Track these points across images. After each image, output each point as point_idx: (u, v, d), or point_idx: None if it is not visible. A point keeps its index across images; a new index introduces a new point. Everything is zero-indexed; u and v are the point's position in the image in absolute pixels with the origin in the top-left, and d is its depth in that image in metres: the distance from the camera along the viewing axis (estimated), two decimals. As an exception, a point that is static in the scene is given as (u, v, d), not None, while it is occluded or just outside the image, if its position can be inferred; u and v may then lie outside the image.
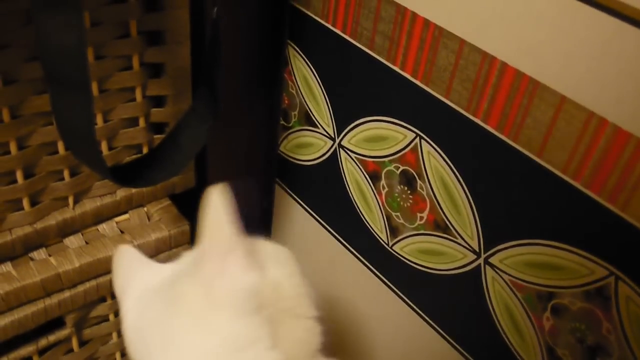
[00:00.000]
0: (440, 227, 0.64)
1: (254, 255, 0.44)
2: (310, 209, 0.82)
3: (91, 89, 0.48)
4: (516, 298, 0.60)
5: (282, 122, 0.81)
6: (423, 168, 0.64)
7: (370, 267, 0.76)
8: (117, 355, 0.74)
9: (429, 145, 0.62)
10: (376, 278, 0.76)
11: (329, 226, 0.81)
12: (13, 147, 0.57)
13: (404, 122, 0.63)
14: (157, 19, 0.59)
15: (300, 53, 0.73)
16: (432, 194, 0.64)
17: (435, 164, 0.62)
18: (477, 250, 0.62)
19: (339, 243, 0.80)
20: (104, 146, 0.63)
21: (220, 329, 0.42)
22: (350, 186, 0.74)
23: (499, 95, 0.53)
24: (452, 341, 0.69)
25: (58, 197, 0.63)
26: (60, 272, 0.61)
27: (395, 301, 0.74)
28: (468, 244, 0.62)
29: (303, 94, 0.75)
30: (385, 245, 0.72)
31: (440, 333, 0.70)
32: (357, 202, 0.74)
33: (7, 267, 0.62)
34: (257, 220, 0.92)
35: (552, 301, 0.57)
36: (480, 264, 0.62)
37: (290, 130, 0.80)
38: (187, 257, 0.49)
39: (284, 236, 0.90)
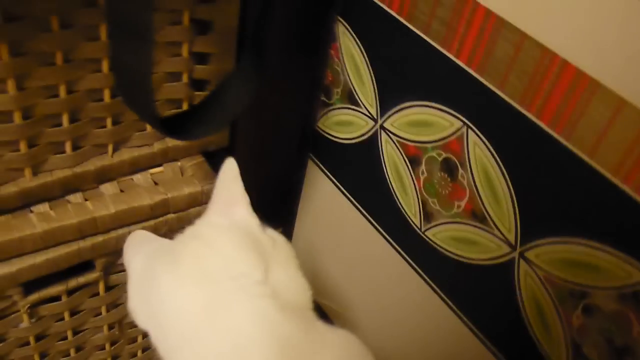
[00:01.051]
0: (478, 217, 0.65)
1: (253, 217, 0.49)
2: (342, 186, 0.83)
3: (153, 36, 0.49)
4: (547, 294, 0.60)
5: (323, 98, 0.81)
6: (467, 157, 0.64)
7: (398, 248, 0.77)
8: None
9: (475, 136, 0.62)
10: (403, 260, 0.77)
11: (360, 204, 0.81)
12: (62, 91, 0.58)
13: (453, 109, 0.64)
14: None
15: (351, 31, 0.72)
16: (472, 183, 0.64)
17: (480, 154, 0.62)
18: (513, 244, 0.62)
19: (367, 222, 0.81)
20: None
21: (218, 254, 0.45)
22: (387, 168, 0.74)
23: (555, 92, 0.53)
24: (476, 330, 0.70)
25: (98, 143, 0.65)
26: (96, 217, 0.63)
27: (421, 285, 0.75)
28: (504, 237, 0.63)
29: (349, 72, 0.75)
30: (417, 230, 0.73)
31: (465, 321, 0.71)
32: (392, 184, 0.74)
33: (45, 207, 0.64)
34: (285, 192, 0.93)
35: (584, 300, 0.57)
36: (514, 257, 0.62)
37: (331, 107, 0.80)
38: (190, 228, 0.52)
39: (311, 210, 0.91)
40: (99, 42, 0.57)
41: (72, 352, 0.74)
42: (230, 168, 0.50)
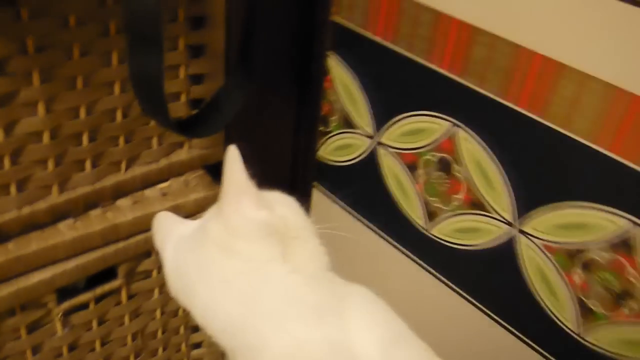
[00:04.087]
0: (476, 205, 0.73)
1: (263, 198, 0.53)
2: (349, 207, 0.91)
3: (163, 43, 0.57)
4: (548, 260, 0.68)
5: (322, 128, 0.90)
6: (459, 153, 0.73)
7: (409, 254, 0.84)
8: (157, 313, 0.82)
9: (464, 132, 0.71)
10: (414, 264, 0.84)
11: (368, 220, 0.89)
12: (82, 112, 0.66)
13: (441, 113, 0.73)
14: (199, 6, 0.69)
15: (342, 62, 0.83)
16: (468, 175, 0.73)
17: (470, 147, 0.71)
18: (512, 221, 0.70)
19: (378, 236, 0.88)
20: None
21: (239, 252, 0.50)
22: (388, 180, 0.83)
23: (528, 79, 0.63)
24: (490, 313, 0.76)
25: (113, 161, 0.72)
26: (116, 223, 0.70)
27: (434, 284, 0.82)
28: (502, 217, 0.71)
29: (344, 99, 0.85)
30: (424, 231, 0.81)
31: (478, 307, 0.77)
32: (395, 193, 0.82)
33: (70, 222, 0.70)
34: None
35: (582, 257, 0.65)
36: (514, 235, 0.70)
37: (330, 135, 0.89)
38: (212, 209, 0.58)
39: (321, 236, 0.98)
40: (111, 67, 0.66)
41: None
42: (232, 157, 0.52)
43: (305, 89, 0.87)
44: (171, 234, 0.57)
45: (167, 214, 0.61)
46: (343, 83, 0.84)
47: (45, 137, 0.64)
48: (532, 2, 0.61)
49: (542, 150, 0.65)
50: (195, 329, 0.92)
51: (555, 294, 0.69)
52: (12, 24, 0.58)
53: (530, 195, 0.68)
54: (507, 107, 0.66)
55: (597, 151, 0.60)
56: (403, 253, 0.85)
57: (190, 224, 0.58)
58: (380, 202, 0.85)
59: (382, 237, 0.87)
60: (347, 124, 0.86)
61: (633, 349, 0.64)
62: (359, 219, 0.89)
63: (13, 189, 0.65)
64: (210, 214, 0.58)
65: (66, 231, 0.68)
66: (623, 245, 0.62)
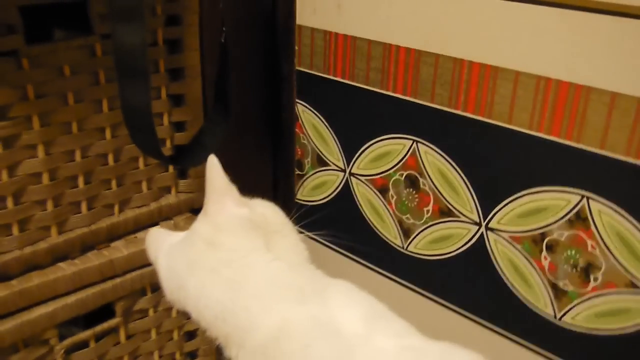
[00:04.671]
0: (445, 213, 0.79)
1: (243, 200, 0.59)
2: (330, 244, 0.96)
3: (149, 78, 0.64)
4: (517, 250, 0.73)
5: (298, 172, 0.97)
6: (423, 167, 0.80)
7: (390, 275, 0.89)
8: (156, 355, 0.84)
9: (424, 146, 0.79)
10: (395, 284, 0.88)
11: (349, 252, 0.93)
12: (78, 155, 0.72)
13: (402, 133, 0.81)
14: (177, 59, 0.78)
15: (309, 107, 0.91)
16: (433, 186, 0.80)
17: (432, 159, 0.79)
18: (478, 221, 0.76)
19: (361, 265, 0.92)
20: (141, 161, 0.79)
21: (225, 245, 0.55)
22: (363, 207, 0.89)
23: (471, 87, 0.72)
24: (471, 316, 0.80)
25: (107, 204, 0.78)
26: (112, 259, 0.75)
27: (417, 299, 0.86)
28: (470, 219, 0.77)
29: (313, 140, 0.93)
30: (401, 249, 0.86)
31: (461, 313, 0.81)
32: (371, 218, 0.88)
33: (68, 261, 0.75)
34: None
35: (545, 240, 0.71)
36: (482, 233, 0.76)
37: (305, 177, 0.96)
38: (195, 222, 0.63)
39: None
40: (102, 114, 0.73)
41: None
42: (212, 164, 0.57)
43: (278, 136, 0.95)
44: (163, 244, 0.62)
45: (159, 229, 0.66)
46: (312, 125, 0.92)
47: (45, 178, 0.70)
48: (463, 18, 0.71)
49: (493, 148, 0.72)
50: (193, 375, 0.93)
51: (528, 282, 0.73)
52: (15, 73, 0.66)
53: (491, 193, 0.74)
54: (457, 115, 0.74)
55: (539, 137, 0.68)
56: (384, 276, 0.89)
57: (178, 235, 0.63)
58: (359, 230, 0.90)
59: (364, 265, 0.91)
60: (320, 162, 0.93)
61: (607, 320, 0.68)
62: (342, 254, 0.94)
63: (15, 230, 0.70)
64: (195, 224, 0.63)
65: (66, 267, 0.72)
66: (578, 219, 0.68)
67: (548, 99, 0.66)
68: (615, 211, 0.65)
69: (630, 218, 0.64)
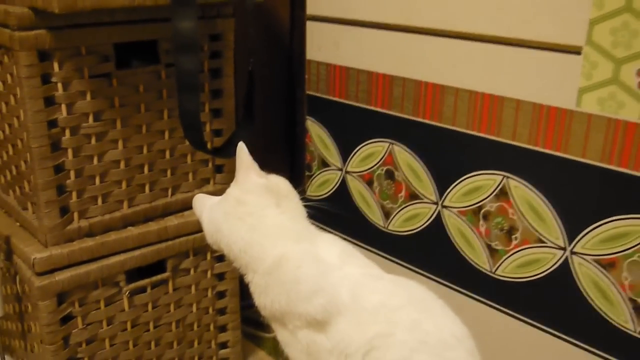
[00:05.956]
0: (413, 197, 1.05)
1: (263, 174, 0.81)
2: (329, 227, 1.21)
3: (200, 94, 0.92)
4: (462, 221, 0.98)
5: (308, 173, 1.24)
6: (397, 163, 1.06)
7: (371, 249, 1.14)
8: (194, 307, 1.10)
9: (397, 146, 1.05)
10: (377, 255, 1.13)
11: (341, 232, 1.19)
12: (145, 149, 1.01)
13: (383, 137, 1.08)
14: (218, 82, 1.07)
15: (316, 121, 1.19)
16: (405, 177, 1.06)
17: (403, 156, 1.05)
18: (436, 201, 1.01)
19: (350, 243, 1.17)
20: (189, 158, 1.06)
21: (249, 202, 0.77)
22: (355, 197, 1.15)
23: (427, 100, 0.99)
24: (425, 272, 1.04)
25: (163, 187, 1.05)
26: (167, 226, 1.02)
27: (394, 267, 1.10)
28: (430, 199, 1.02)
29: (319, 147, 1.20)
30: (384, 229, 1.11)
31: (429, 277, 1.05)
32: (361, 206, 1.14)
33: (135, 226, 1.02)
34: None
35: (481, 212, 0.96)
36: (439, 210, 1.01)
37: (313, 177, 1.23)
38: (226, 192, 0.85)
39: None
40: (163, 120, 1.01)
41: (152, 344, 1.06)
42: (241, 148, 0.80)
43: (293, 145, 1.23)
44: (205, 204, 0.87)
45: (203, 195, 0.92)
46: (318, 136, 1.20)
47: (122, 165, 0.99)
48: (419, 52, 0.98)
49: (444, 143, 0.98)
50: (223, 328, 1.19)
51: (472, 246, 0.98)
52: (107, 89, 0.95)
53: (444, 178, 1.00)
54: (419, 121, 1.01)
55: (473, 135, 0.94)
56: (371, 251, 1.14)
57: (215, 198, 0.89)
58: (352, 214, 1.16)
59: (353, 241, 1.17)
60: (324, 164, 1.20)
61: (524, 270, 0.92)
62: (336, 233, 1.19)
63: (99, 201, 0.99)
64: (229, 189, 0.90)
65: (133, 230, 1.00)
66: (502, 193, 0.93)
67: (477, 106, 0.93)
68: (525, 186, 0.90)
69: (535, 190, 0.89)
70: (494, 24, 0.89)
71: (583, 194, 0.85)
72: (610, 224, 0.83)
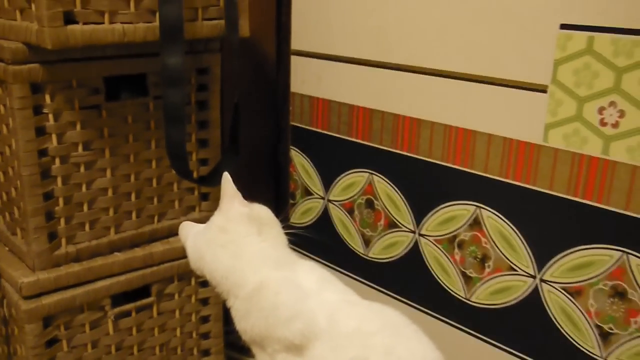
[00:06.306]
0: (392, 225, 1.09)
1: (247, 203, 0.84)
2: (312, 254, 1.25)
3: (185, 125, 0.95)
4: (438, 249, 1.02)
5: (292, 201, 1.28)
6: (376, 192, 1.10)
7: (353, 275, 1.17)
8: (178, 331, 1.13)
9: (377, 176, 1.09)
10: (357, 282, 1.16)
11: (322, 259, 1.22)
12: (132, 178, 1.04)
13: (363, 168, 1.12)
14: (204, 114, 1.10)
15: (299, 151, 1.23)
16: (383, 206, 1.09)
17: (381, 186, 1.09)
18: (413, 229, 1.05)
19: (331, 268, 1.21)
20: (175, 186, 1.09)
21: (232, 230, 0.80)
22: (337, 225, 1.19)
23: (405, 133, 1.03)
24: (402, 298, 1.07)
25: (150, 215, 1.08)
26: (152, 252, 1.04)
27: (375, 295, 1.13)
28: (407, 227, 1.06)
29: (302, 176, 1.24)
30: (364, 256, 1.15)
31: (407, 303, 1.09)
32: (342, 233, 1.18)
33: (121, 252, 1.05)
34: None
35: (456, 240, 0.99)
36: (416, 239, 1.05)
37: (296, 205, 1.27)
38: (210, 220, 0.87)
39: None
40: (151, 150, 1.05)
41: None
42: (226, 178, 0.83)
43: (277, 174, 1.27)
44: (191, 231, 0.90)
45: (188, 222, 0.95)
46: (301, 165, 1.23)
47: (110, 192, 1.02)
48: (396, 87, 1.03)
49: (421, 174, 1.03)
50: (206, 352, 1.21)
51: (448, 273, 1.01)
52: (96, 120, 0.99)
53: (421, 208, 1.04)
54: (397, 153, 1.05)
55: (448, 167, 0.98)
56: (350, 277, 1.17)
57: (200, 226, 0.92)
58: (333, 241, 1.19)
59: (334, 268, 1.20)
60: (307, 193, 1.24)
61: (497, 297, 0.95)
62: (318, 260, 1.23)
63: (87, 227, 1.02)
64: (212, 217, 0.93)
65: (120, 255, 1.03)
66: (476, 223, 0.96)
67: (452, 139, 0.97)
68: (497, 215, 0.94)
69: (506, 220, 0.93)
70: (466, 62, 0.94)
71: (550, 224, 0.89)
72: (576, 253, 0.87)
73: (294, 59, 1.21)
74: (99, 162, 1.00)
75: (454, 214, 0.99)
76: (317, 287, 0.76)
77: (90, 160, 0.99)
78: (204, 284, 1.15)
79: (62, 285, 0.98)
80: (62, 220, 0.98)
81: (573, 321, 0.88)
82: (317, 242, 1.24)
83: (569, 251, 0.87)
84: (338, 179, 1.17)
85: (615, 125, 0.80)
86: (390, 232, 1.09)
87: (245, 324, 0.75)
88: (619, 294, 0.83)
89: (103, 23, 0.90)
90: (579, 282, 0.87)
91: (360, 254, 1.15)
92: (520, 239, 0.92)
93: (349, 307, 0.73)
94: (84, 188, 1.00)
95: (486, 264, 0.97)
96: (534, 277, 0.91)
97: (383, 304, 0.72)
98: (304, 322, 0.70)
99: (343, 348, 0.68)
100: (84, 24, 0.88)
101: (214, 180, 1.09)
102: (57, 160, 0.96)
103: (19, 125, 0.91)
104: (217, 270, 0.79)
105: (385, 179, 1.08)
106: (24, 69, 0.89)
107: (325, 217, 1.21)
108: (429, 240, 1.03)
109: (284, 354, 0.72)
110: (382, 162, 1.08)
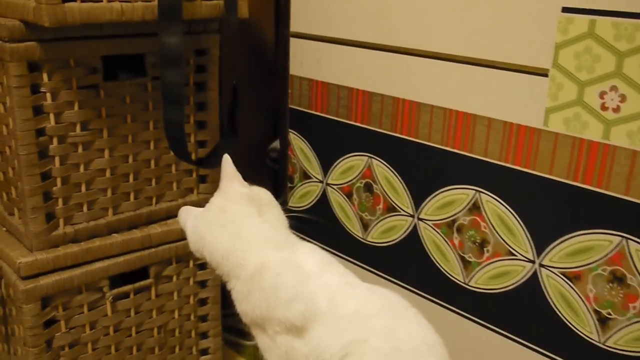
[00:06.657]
0: (391, 209, 1.08)
1: (245, 183, 0.84)
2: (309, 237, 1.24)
3: (184, 106, 0.95)
4: (437, 233, 1.02)
5: (290, 185, 1.27)
6: (376, 176, 1.10)
7: (352, 260, 1.17)
8: (176, 313, 1.13)
9: (376, 160, 1.09)
10: (355, 266, 1.16)
11: (319, 242, 1.22)
12: (130, 159, 1.03)
13: (362, 152, 1.11)
14: (203, 95, 1.10)
15: (298, 134, 1.23)
16: (382, 190, 1.09)
17: (381, 169, 1.08)
18: (412, 213, 1.05)
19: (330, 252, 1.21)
20: (173, 168, 1.09)
21: (231, 210, 0.80)
22: (335, 209, 1.18)
23: (404, 116, 1.03)
24: (401, 283, 1.08)
25: (147, 196, 1.07)
26: (150, 233, 1.04)
27: (374, 279, 1.13)
28: (406, 212, 1.06)
29: (301, 159, 1.23)
30: (362, 240, 1.14)
31: (398, 283, 1.09)
32: (340, 217, 1.18)
33: (119, 233, 1.04)
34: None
35: (455, 225, 0.99)
36: (415, 223, 1.05)
37: (295, 188, 1.26)
38: (210, 201, 0.87)
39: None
40: (149, 131, 1.04)
41: (134, 349, 1.08)
42: (226, 159, 0.83)
43: (274, 159, 1.26)
44: (190, 214, 0.90)
45: (187, 206, 0.95)
46: (300, 148, 1.23)
47: (107, 173, 1.02)
48: (397, 70, 1.02)
49: (420, 158, 1.02)
50: (204, 335, 1.21)
51: (447, 258, 1.01)
52: (94, 100, 0.98)
53: (420, 192, 1.03)
54: (397, 137, 1.05)
55: (448, 150, 0.98)
56: (350, 261, 1.17)
57: (199, 209, 0.92)
58: (332, 227, 1.19)
59: (333, 252, 1.20)
60: (305, 176, 1.23)
61: (496, 282, 0.96)
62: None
63: (85, 208, 1.02)
64: (212, 198, 0.92)
65: (118, 237, 1.03)
66: (475, 208, 0.96)
67: (451, 123, 0.96)
68: (496, 200, 0.94)
69: (505, 204, 0.93)
70: (467, 45, 0.93)
71: (550, 209, 0.88)
72: (575, 238, 0.87)
73: (293, 41, 1.20)
74: (96, 143, 1.00)
75: (453, 198, 0.99)
76: (317, 269, 0.76)
77: (88, 141, 0.99)
78: (202, 266, 1.15)
79: (60, 266, 0.98)
80: (60, 201, 0.98)
81: (572, 306, 0.88)
82: (316, 225, 1.24)
83: (568, 236, 0.87)
84: (337, 162, 1.16)
85: (617, 109, 0.80)
86: (389, 216, 1.09)
87: (247, 306, 0.75)
88: (618, 279, 0.83)
89: (101, 1, 0.89)
90: (578, 267, 0.87)
91: (359, 238, 1.15)
92: (520, 224, 0.92)
93: (350, 290, 0.73)
94: (81, 168, 0.99)
95: (485, 249, 0.97)
96: (533, 262, 0.91)
97: (383, 287, 0.72)
98: (304, 303, 0.70)
99: (343, 330, 0.68)
100: (82, 1, 0.87)
101: (212, 162, 1.09)
102: (55, 140, 0.95)
103: (16, 104, 0.90)
104: (217, 250, 0.79)
105: (385, 162, 1.08)
106: (21, 47, 0.88)
107: (323, 201, 1.20)
108: (428, 225, 1.03)
109: (284, 335, 0.73)
110: (381, 145, 1.08)
